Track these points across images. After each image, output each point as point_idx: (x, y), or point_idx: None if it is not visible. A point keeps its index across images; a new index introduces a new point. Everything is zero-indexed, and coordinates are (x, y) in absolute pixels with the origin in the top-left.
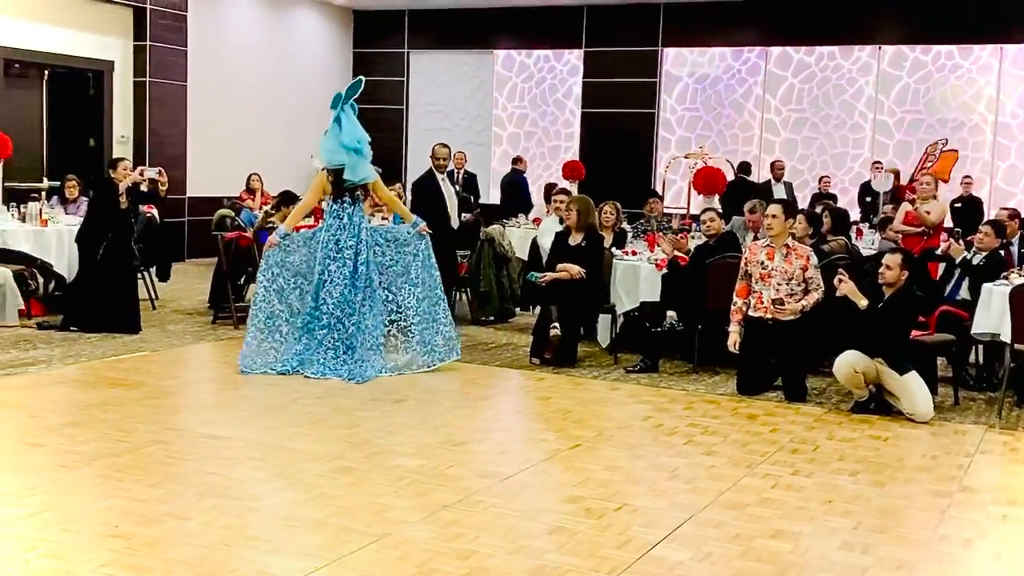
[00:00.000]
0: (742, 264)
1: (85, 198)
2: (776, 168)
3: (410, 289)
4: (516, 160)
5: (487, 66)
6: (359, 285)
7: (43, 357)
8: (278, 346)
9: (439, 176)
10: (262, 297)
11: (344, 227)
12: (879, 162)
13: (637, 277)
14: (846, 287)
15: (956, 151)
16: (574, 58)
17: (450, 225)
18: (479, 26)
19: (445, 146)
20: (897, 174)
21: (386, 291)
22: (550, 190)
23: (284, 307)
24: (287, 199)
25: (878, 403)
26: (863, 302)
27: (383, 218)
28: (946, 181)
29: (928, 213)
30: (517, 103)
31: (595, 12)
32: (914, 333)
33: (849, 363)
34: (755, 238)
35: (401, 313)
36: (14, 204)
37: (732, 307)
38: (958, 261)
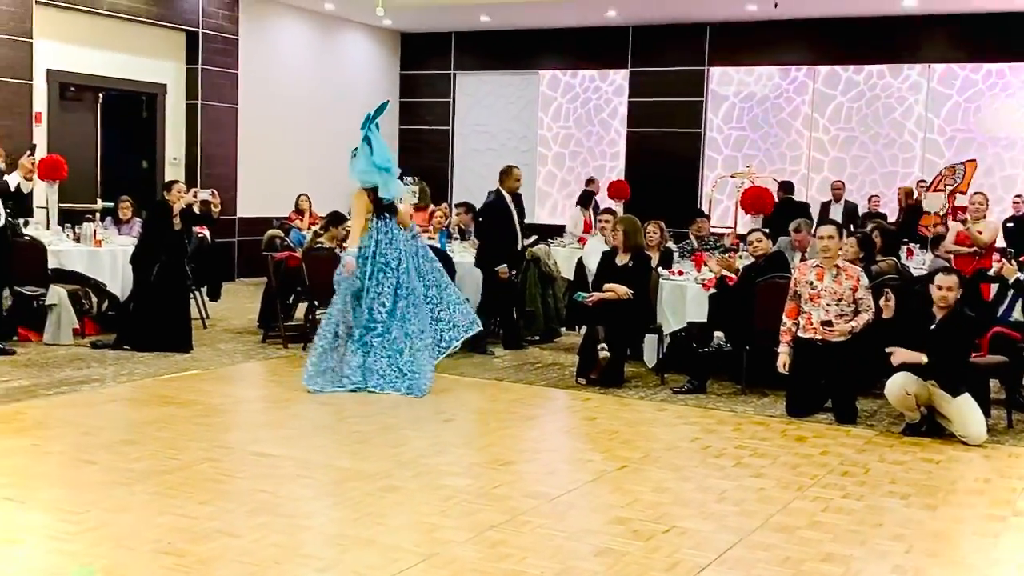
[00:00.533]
0: (791, 284)
1: (138, 219)
2: (835, 188)
3: (420, 280)
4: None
5: (533, 86)
6: (401, 293)
7: (97, 375)
8: (335, 366)
9: (508, 198)
10: (335, 320)
11: (389, 242)
12: (924, 181)
13: (684, 297)
14: (902, 355)
15: (974, 160)
16: (620, 78)
17: (516, 247)
18: (525, 47)
19: (519, 168)
20: (910, 193)
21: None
22: (588, 197)
23: (344, 328)
24: (335, 220)
25: (930, 425)
26: (923, 359)
27: (430, 237)
28: (964, 192)
29: (980, 233)
30: (562, 123)
31: (641, 32)
32: None
33: (901, 385)
34: (802, 258)
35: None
36: (69, 225)
37: (781, 328)
38: (1011, 282)
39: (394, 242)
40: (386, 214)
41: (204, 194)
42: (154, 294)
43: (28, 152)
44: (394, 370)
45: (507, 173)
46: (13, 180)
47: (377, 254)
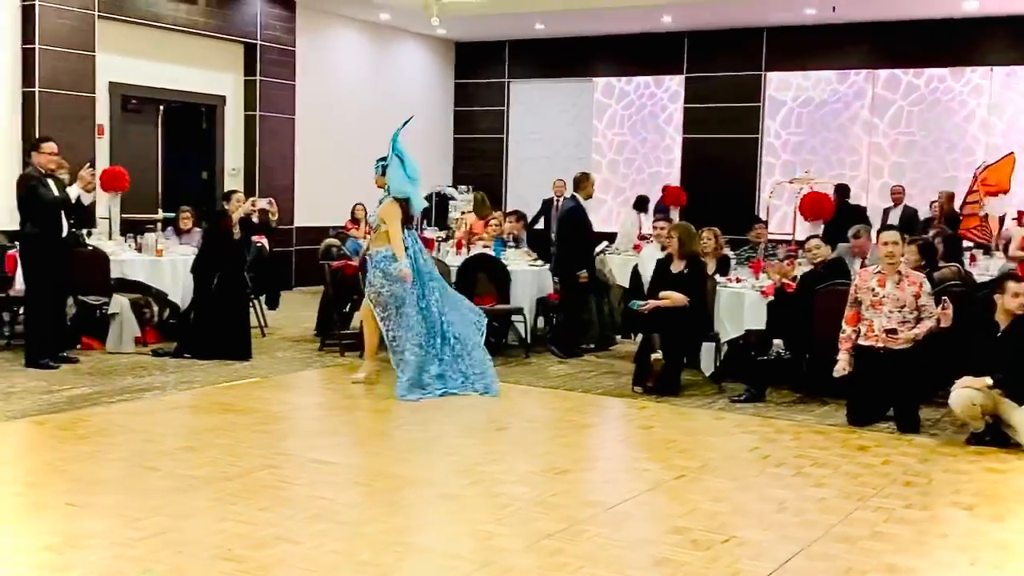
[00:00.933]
0: (851, 291)
1: (199, 229)
2: (894, 193)
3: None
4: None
5: (587, 93)
6: (445, 300)
7: (158, 383)
8: (416, 376)
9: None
10: (418, 333)
11: (420, 251)
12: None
13: (741, 304)
14: (969, 380)
15: (1012, 154)
16: (675, 84)
17: (593, 252)
18: (579, 54)
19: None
20: (951, 197)
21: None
22: (644, 202)
23: (423, 339)
24: None
25: (995, 435)
26: (988, 382)
27: (484, 245)
28: (1006, 191)
29: None
30: (617, 130)
31: (697, 37)
32: None
33: (967, 395)
34: (862, 264)
35: None
36: (131, 235)
37: (840, 335)
38: None
39: (422, 252)
40: (413, 225)
41: (262, 203)
42: (214, 303)
43: (88, 164)
44: (460, 374)
45: (585, 179)
46: (74, 192)
47: (418, 264)
